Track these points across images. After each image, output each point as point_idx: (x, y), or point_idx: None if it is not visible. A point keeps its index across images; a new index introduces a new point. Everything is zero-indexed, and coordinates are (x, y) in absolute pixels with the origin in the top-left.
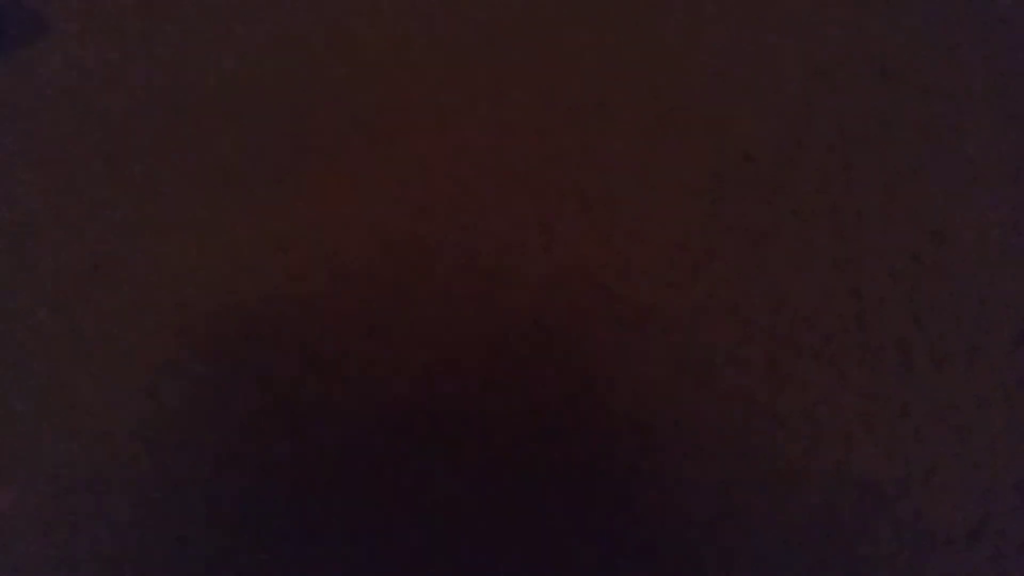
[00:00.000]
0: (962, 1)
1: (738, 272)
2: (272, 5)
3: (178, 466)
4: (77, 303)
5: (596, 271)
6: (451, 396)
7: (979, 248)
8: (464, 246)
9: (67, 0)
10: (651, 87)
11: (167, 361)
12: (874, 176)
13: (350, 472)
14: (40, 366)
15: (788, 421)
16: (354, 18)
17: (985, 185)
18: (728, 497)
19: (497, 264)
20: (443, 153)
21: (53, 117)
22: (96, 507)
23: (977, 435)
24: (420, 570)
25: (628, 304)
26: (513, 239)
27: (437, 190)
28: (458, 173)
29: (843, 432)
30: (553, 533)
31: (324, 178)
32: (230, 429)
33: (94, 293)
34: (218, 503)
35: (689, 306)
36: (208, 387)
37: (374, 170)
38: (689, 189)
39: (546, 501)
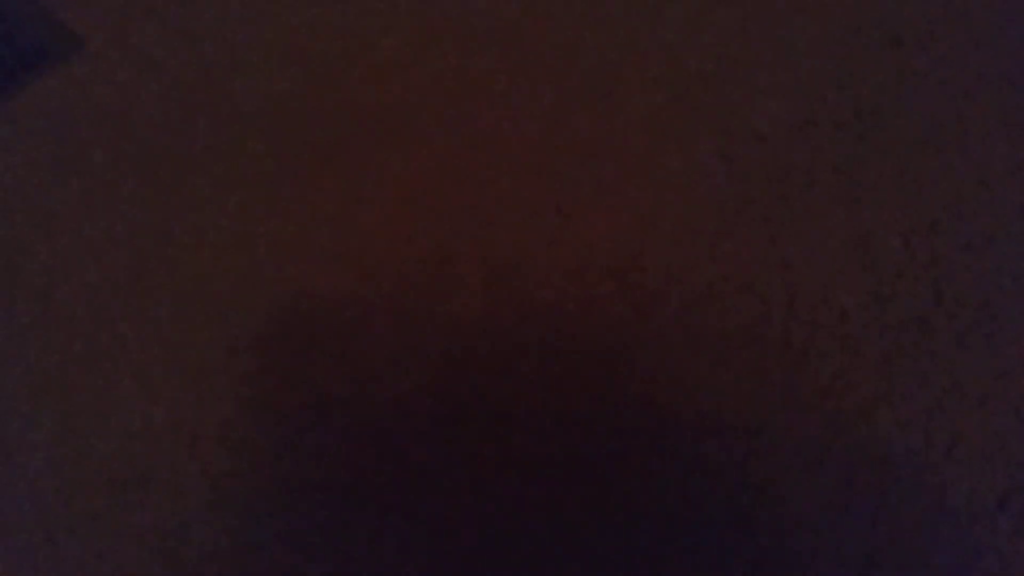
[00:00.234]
0: None
1: (752, 251)
2: (291, 14)
3: (220, 463)
4: (120, 311)
5: (611, 255)
6: (472, 383)
7: (996, 217)
8: (481, 236)
9: (102, 19)
10: (661, 70)
11: (209, 362)
12: (888, 149)
13: (376, 460)
14: (85, 374)
15: (806, 398)
16: (369, 19)
17: (1001, 154)
18: (747, 475)
19: (514, 252)
20: (459, 147)
21: (89, 130)
22: (141, 506)
23: (998, 407)
24: (441, 553)
25: (643, 287)
26: (529, 227)
27: (454, 183)
28: (474, 165)
29: (862, 408)
30: (570, 511)
31: (346, 178)
32: (269, 424)
33: (136, 301)
34: (257, 497)
35: (704, 287)
36: (247, 383)
37: (394, 167)
38: (701, 170)
39: (565, 482)
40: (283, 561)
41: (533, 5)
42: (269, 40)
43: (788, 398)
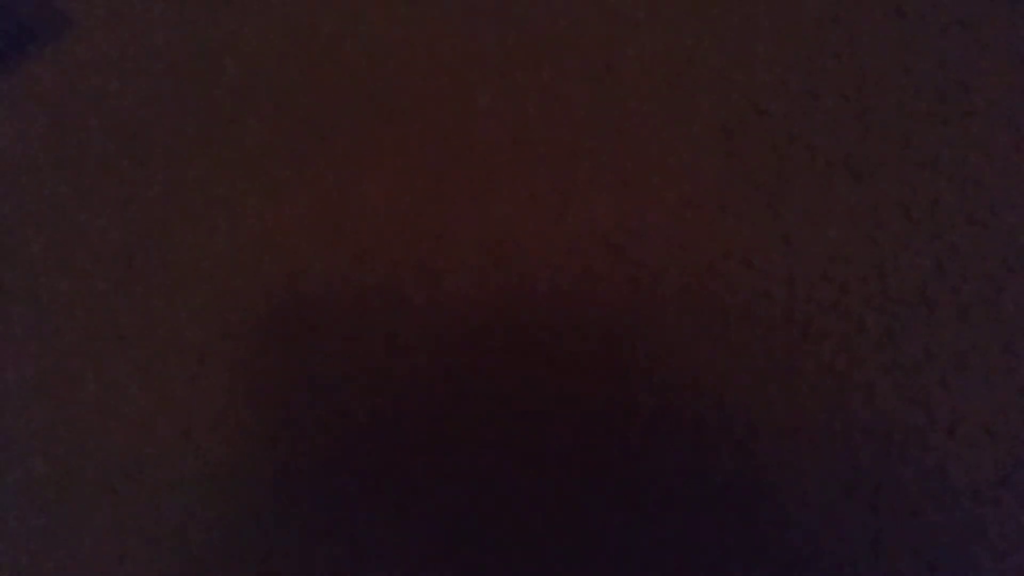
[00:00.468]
0: None
1: (752, 226)
2: None
3: (216, 450)
4: (113, 296)
5: (610, 232)
6: (470, 364)
7: (1001, 190)
8: (478, 215)
9: None
10: (659, 44)
11: (203, 347)
12: (891, 121)
13: (372, 443)
14: (77, 362)
15: (807, 374)
16: None
17: (1006, 125)
18: (747, 452)
19: (511, 231)
20: (455, 125)
21: (80, 110)
22: (139, 496)
23: (1002, 382)
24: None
25: (642, 264)
26: (526, 205)
27: (450, 162)
28: (470, 143)
29: (864, 383)
30: (569, 490)
31: (342, 158)
32: (265, 409)
33: (130, 286)
34: (257, 486)
35: (704, 263)
36: (242, 368)
37: (390, 147)
38: (701, 146)
39: (565, 461)
40: (281, 546)
41: None
42: (262, 18)
43: (789, 375)
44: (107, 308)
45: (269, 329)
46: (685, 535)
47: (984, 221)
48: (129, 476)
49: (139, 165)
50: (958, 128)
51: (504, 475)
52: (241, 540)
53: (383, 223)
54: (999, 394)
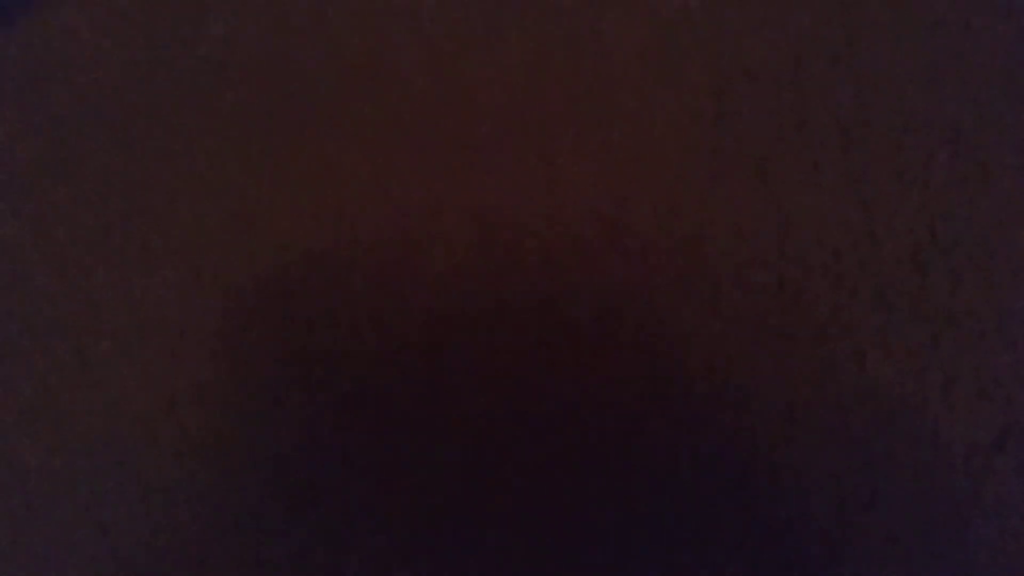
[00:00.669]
0: None
1: (743, 193)
2: None
3: (200, 425)
4: (91, 272)
5: (599, 202)
6: (458, 338)
7: (993, 154)
8: (464, 186)
9: None
10: (646, 8)
11: (185, 322)
12: (883, 83)
13: (358, 418)
14: (56, 338)
15: (799, 341)
16: None
17: (1001, 86)
18: (740, 421)
19: (497, 201)
20: (439, 94)
21: (52, 87)
22: (120, 471)
23: (994, 344)
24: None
25: (632, 232)
26: (513, 174)
27: (435, 132)
28: (455, 112)
29: (856, 350)
30: (562, 465)
31: (324, 132)
32: (248, 383)
33: (107, 259)
34: (240, 461)
35: (694, 231)
36: (223, 343)
37: (373, 119)
38: (689, 111)
39: (557, 436)
40: (267, 523)
41: None
42: None
43: (781, 342)
44: (85, 284)
45: (252, 303)
46: (676, 504)
47: (976, 184)
48: (110, 452)
49: (115, 139)
50: (950, 92)
51: (492, 451)
52: (226, 514)
53: (366, 195)
54: (991, 356)
